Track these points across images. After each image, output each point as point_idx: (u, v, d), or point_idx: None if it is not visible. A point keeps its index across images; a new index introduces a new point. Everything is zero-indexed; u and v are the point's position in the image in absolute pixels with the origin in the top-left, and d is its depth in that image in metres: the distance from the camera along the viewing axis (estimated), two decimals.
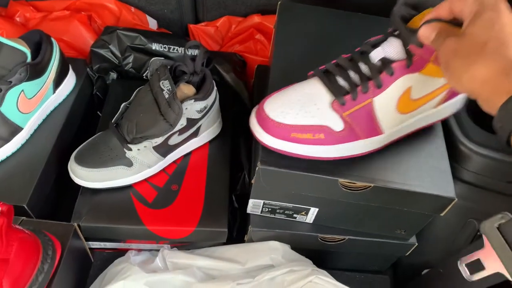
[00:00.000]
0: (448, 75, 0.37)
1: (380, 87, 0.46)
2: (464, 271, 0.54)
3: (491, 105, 0.34)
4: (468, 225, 0.63)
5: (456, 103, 0.54)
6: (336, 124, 0.48)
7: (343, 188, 0.51)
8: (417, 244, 0.61)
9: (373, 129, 0.49)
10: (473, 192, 0.59)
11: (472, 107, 0.64)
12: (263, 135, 0.49)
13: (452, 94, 0.52)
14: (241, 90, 0.79)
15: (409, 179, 0.51)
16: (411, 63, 0.44)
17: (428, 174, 0.51)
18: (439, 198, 0.51)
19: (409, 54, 0.44)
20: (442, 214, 0.54)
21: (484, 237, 0.46)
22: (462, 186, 0.58)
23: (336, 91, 0.47)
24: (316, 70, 0.50)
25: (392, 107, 0.48)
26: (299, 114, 0.47)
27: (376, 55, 0.46)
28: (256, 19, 0.85)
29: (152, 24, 0.86)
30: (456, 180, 0.55)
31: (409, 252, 0.63)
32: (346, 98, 0.47)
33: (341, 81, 0.48)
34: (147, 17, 0.85)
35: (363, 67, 0.47)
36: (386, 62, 0.45)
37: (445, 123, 0.58)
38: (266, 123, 0.48)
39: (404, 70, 0.45)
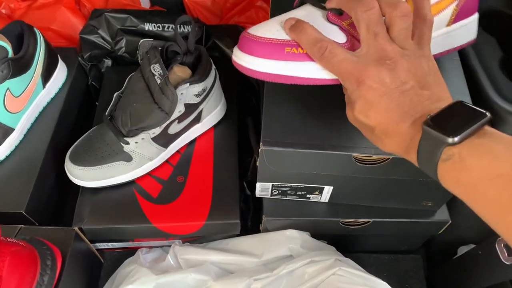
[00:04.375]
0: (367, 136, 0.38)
1: None
2: (502, 252, 0.48)
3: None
4: None
5: (470, 27, 0.46)
6: (338, 36, 0.38)
7: (358, 163, 0.45)
8: (450, 221, 0.55)
9: None
10: None
11: (506, 62, 0.57)
12: (248, 59, 0.37)
13: (462, 12, 0.44)
14: None
15: None
16: None
17: None
18: None
19: None
20: None
21: None
22: None
23: None
24: None
25: None
26: None
27: None
28: None
29: (144, 2, 0.80)
30: None
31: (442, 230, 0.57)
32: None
33: None
34: None
35: None
36: None
37: (474, 80, 0.51)
38: (251, 45, 0.37)
39: None
